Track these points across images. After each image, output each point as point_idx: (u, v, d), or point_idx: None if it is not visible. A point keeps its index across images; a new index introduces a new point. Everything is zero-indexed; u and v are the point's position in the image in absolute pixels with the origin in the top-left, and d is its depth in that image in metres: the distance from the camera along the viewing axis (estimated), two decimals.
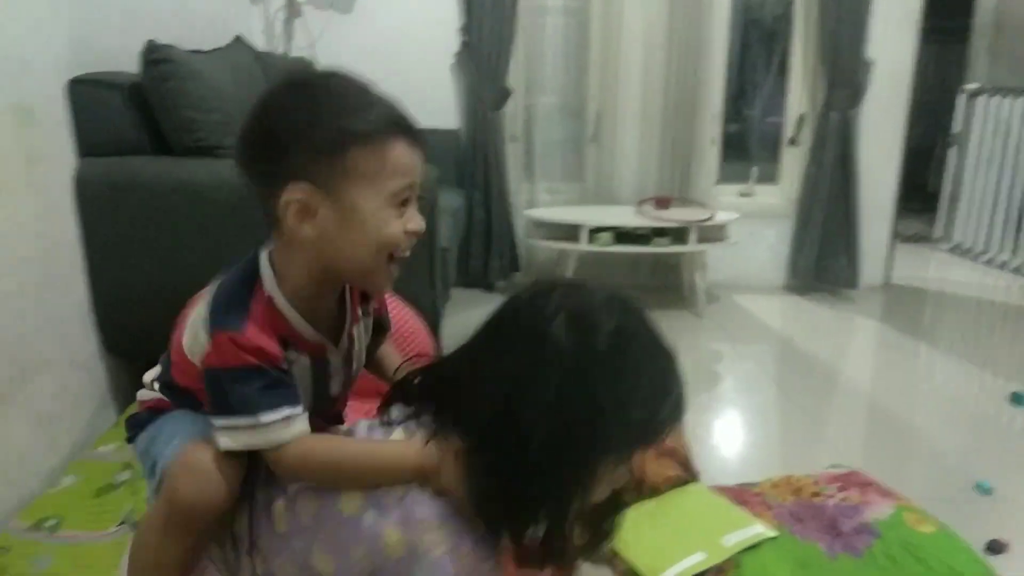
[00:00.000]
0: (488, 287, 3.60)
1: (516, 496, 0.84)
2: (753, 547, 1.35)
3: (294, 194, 0.87)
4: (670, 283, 3.73)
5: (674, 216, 3.23)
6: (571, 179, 3.75)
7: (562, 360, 0.82)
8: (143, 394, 1.07)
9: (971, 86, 4.62)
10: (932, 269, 4.40)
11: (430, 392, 0.94)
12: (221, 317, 0.89)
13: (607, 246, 3.19)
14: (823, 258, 3.65)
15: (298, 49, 3.34)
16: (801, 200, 3.67)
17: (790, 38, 3.70)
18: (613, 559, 1.43)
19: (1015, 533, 1.63)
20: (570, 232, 3.21)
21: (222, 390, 0.89)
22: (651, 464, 1.60)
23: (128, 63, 1.90)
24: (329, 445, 0.92)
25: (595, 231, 3.18)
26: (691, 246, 3.20)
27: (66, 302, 1.80)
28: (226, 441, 0.89)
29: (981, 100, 4.46)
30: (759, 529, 1.40)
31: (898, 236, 3.92)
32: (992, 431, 2.29)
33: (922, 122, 4.19)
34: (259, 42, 3.19)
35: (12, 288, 1.59)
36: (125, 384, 2.02)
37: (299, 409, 0.90)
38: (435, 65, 3.49)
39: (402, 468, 0.87)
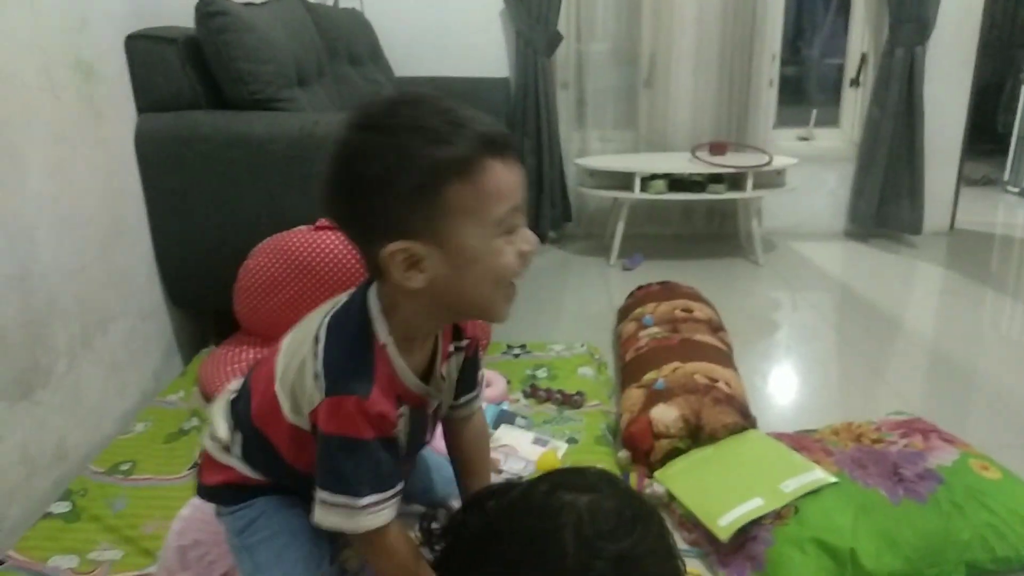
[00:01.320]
0: (540, 237, 3.58)
1: None
2: (813, 492, 1.34)
3: (394, 249, 0.81)
4: (726, 231, 3.67)
5: (730, 162, 3.16)
6: (624, 126, 3.68)
7: (568, 570, 0.84)
8: (214, 449, 1.03)
9: None
10: (1000, 213, 4.24)
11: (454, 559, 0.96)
12: (345, 379, 0.84)
13: (660, 194, 3.14)
14: (885, 203, 3.54)
15: (346, 0, 3.33)
16: (863, 143, 3.56)
17: None
18: (671, 504, 1.44)
19: None
20: (623, 180, 3.17)
21: (334, 460, 0.86)
22: (709, 411, 1.59)
23: (183, 17, 1.92)
24: (401, 549, 0.93)
25: (648, 179, 3.13)
26: (748, 192, 3.13)
27: (132, 255, 1.85)
28: (318, 515, 0.88)
29: None
30: (819, 475, 1.38)
31: (965, 179, 3.78)
32: None
33: (992, 59, 4.01)
34: None
35: (81, 242, 1.63)
36: (189, 334, 2.08)
37: (394, 491, 0.89)
38: (484, 12, 3.44)
39: None
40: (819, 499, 1.33)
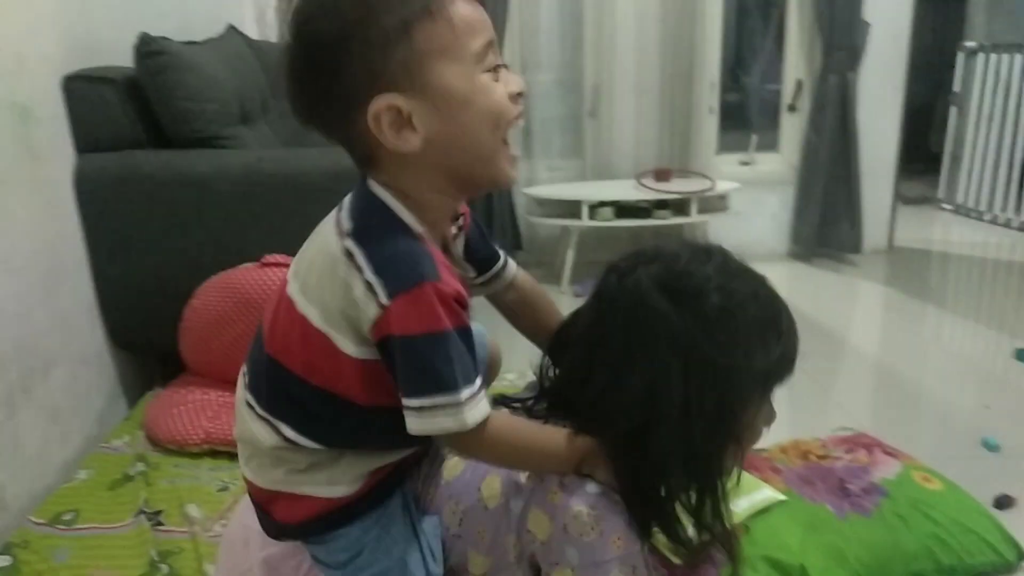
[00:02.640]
0: None
1: (669, 472, 0.83)
2: (762, 511, 1.36)
3: (378, 109, 0.75)
4: None
5: (674, 188, 3.23)
6: (570, 155, 3.74)
7: (676, 332, 0.80)
8: (285, 479, 0.89)
9: (970, 44, 4.58)
10: (936, 230, 4.38)
11: (556, 397, 0.91)
12: (409, 270, 0.76)
13: (608, 221, 3.19)
14: (826, 224, 3.64)
15: None
16: (801, 166, 3.66)
17: (786, 3, 3.67)
18: None
19: (1022, 488, 1.64)
20: (571, 208, 3.21)
21: (422, 361, 0.77)
22: None
23: (122, 57, 1.90)
24: (512, 427, 0.85)
25: (596, 206, 3.18)
26: (693, 217, 3.20)
27: (72, 299, 1.82)
28: (417, 424, 0.78)
29: (980, 58, 4.42)
30: (768, 493, 1.40)
31: (901, 198, 3.91)
32: (999, 388, 2.30)
33: (922, 82, 4.16)
34: (251, 31, 3.18)
35: (20, 286, 1.60)
36: (134, 377, 2.04)
37: (481, 383, 0.81)
38: None
39: (565, 458, 0.84)
40: (768, 517, 1.35)
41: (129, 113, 1.88)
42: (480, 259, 0.99)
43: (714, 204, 3.29)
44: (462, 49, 0.77)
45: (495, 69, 0.80)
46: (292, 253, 1.80)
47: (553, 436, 0.85)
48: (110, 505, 1.53)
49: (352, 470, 0.89)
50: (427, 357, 0.77)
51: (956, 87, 4.63)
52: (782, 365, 0.87)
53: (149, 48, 1.86)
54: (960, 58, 4.60)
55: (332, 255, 0.81)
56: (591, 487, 0.84)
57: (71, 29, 1.86)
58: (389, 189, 0.82)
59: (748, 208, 3.55)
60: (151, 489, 1.58)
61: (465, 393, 0.78)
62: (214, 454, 1.70)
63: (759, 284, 0.87)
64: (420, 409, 0.78)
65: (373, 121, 0.76)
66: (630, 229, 3.53)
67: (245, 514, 1.05)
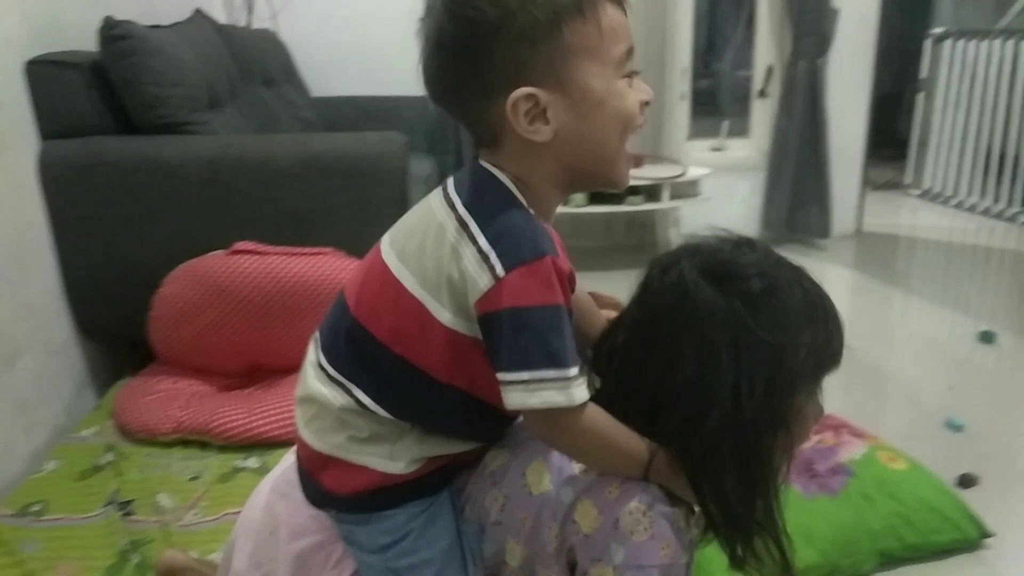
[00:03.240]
0: None
1: (722, 461, 0.81)
2: None
3: (518, 97, 0.77)
4: (645, 241, 3.74)
5: (646, 174, 3.24)
6: None
7: (724, 315, 0.80)
8: (345, 445, 0.88)
9: (937, 30, 4.63)
10: (903, 215, 4.44)
11: (607, 399, 0.88)
12: (530, 242, 0.77)
13: (581, 207, 3.19)
14: (795, 209, 3.67)
15: (260, 21, 3.29)
16: (772, 152, 3.69)
17: None
18: None
19: (985, 467, 1.67)
20: None
21: (535, 333, 0.77)
22: None
23: (86, 41, 1.87)
24: (605, 417, 0.83)
25: None
26: (664, 203, 3.21)
27: (38, 288, 1.79)
28: (520, 398, 0.78)
29: (947, 44, 4.47)
30: None
31: (869, 183, 3.95)
32: (963, 370, 2.34)
33: (890, 68, 4.20)
34: (219, 15, 3.14)
35: None
36: (103, 366, 2.02)
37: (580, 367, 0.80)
38: (399, 30, 3.40)
39: (640, 461, 0.83)
40: None
41: (94, 98, 1.85)
42: None
43: (686, 190, 3.31)
44: (606, 52, 0.79)
45: (630, 75, 0.83)
46: (262, 240, 1.81)
47: (635, 436, 0.84)
48: (79, 496, 1.52)
49: (412, 451, 0.88)
50: (542, 329, 0.77)
51: (924, 73, 4.68)
52: (829, 351, 0.86)
53: (114, 32, 1.83)
54: (928, 44, 4.64)
55: (438, 223, 0.82)
56: (652, 489, 0.83)
57: (33, 12, 1.82)
58: (504, 171, 0.83)
59: (719, 194, 3.56)
60: (121, 479, 1.56)
61: (573, 370, 0.78)
62: (185, 443, 1.69)
63: (800, 272, 0.88)
64: (527, 383, 0.77)
65: (511, 109, 0.78)
66: (602, 215, 3.54)
67: (271, 500, 1.03)
